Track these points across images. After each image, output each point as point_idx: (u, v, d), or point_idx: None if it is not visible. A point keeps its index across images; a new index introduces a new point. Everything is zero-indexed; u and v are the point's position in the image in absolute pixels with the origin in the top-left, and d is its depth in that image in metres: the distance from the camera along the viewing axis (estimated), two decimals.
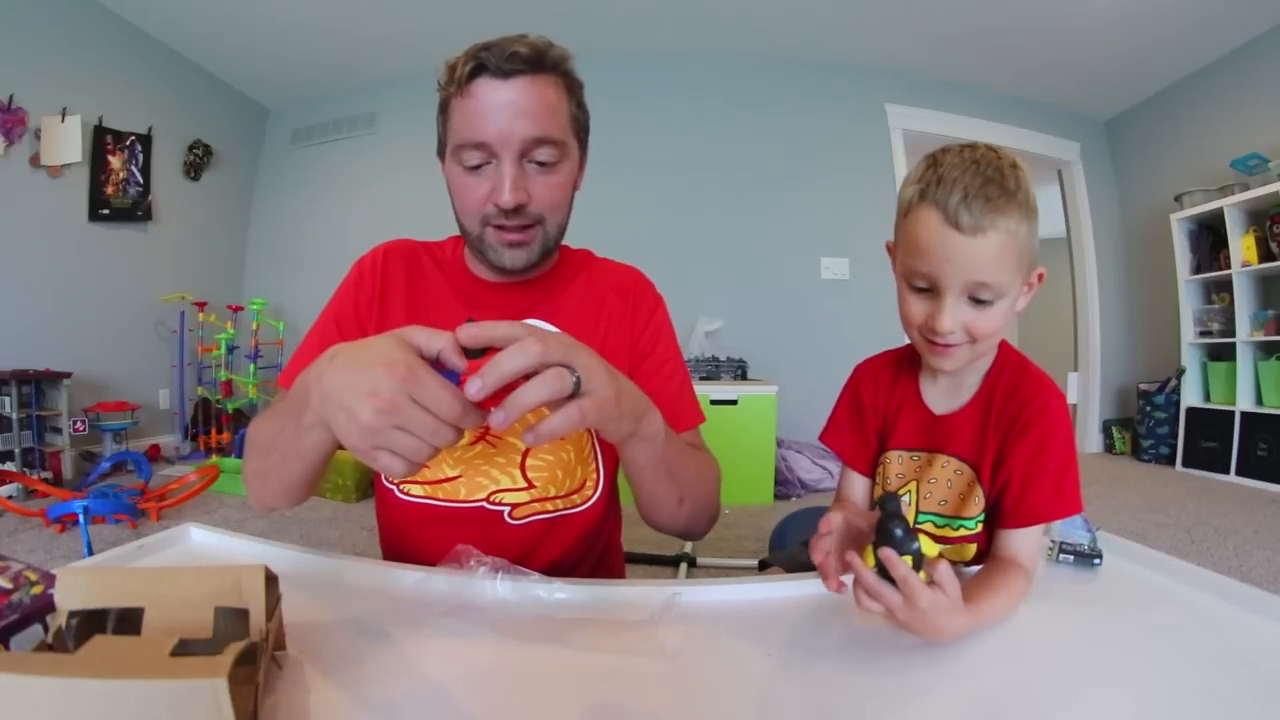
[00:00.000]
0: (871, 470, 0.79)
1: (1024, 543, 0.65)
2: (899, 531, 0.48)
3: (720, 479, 0.79)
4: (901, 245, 0.68)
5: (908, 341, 0.76)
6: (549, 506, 0.77)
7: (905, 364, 0.78)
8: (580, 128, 0.77)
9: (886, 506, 0.50)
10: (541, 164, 0.71)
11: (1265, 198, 3.20)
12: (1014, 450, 0.67)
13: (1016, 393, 0.69)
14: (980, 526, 0.70)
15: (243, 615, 0.40)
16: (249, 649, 0.34)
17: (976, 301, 0.64)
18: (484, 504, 0.76)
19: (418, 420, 0.39)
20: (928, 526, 0.73)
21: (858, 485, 0.80)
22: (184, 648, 0.33)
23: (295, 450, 0.54)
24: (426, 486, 0.77)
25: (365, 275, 0.81)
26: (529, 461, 0.76)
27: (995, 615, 0.56)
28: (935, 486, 0.72)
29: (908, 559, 0.48)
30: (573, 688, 0.45)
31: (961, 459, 0.71)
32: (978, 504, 0.69)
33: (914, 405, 0.75)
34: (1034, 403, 0.68)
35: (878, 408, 0.78)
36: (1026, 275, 0.66)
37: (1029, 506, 0.65)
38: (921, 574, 0.49)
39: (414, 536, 0.78)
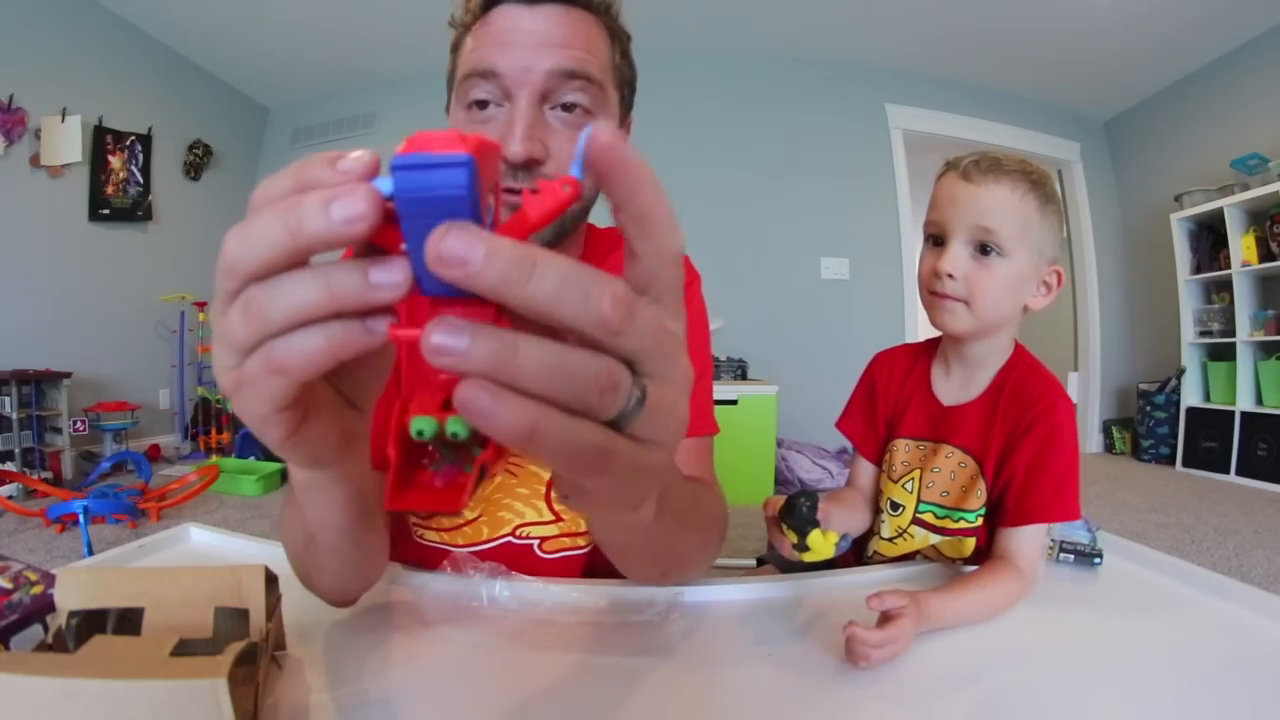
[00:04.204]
0: (879, 458, 0.80)
1: (1022, 542, 0.65)
2: (804, 509, 0.56)
3: (726, 523, 0.66)
4: (928, 208, 0.73)
5: (917, 340, 0.82)
6: (580, 541, 0.68)
7: (921, 356, 0.81)
8: (624, 81, 0.63)
9: (798, 498, 0.56)
10: (569, 109, 0.57)
11: (1265, 197, 3.20)
12: (1018, 447, 0.68)
13: (1024, 390, 0.70)
14: (980, 521, 0.70)
15: (243, 615, 0.40)
16: (249, 649, 0.34)
17: (982, 251, 0.68)
18: (510, 539, 0.67)
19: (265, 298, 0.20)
20: (928, 517, 0.73)
21: (866, 472, 0.82)
22: (184, 648, 0.33)
23: (308, 531, 0.41)
24: (444, 534, 0.67)
25: None
26: (554, 492, 0.66)
27: (962, 609, 0.56)
28: (938, 477, 0.73)
29: (818, 537, 0.57)
30: (573, 688, 0.45)
31: (966, 451, 0.72)
32: (979, 498, 0.70)
33: (924, 395, 0.77)
34: (1041, 401, 0.68)
35: (889, 396, 0.81)
36: (1037, 258, 0.69)
37: (1029, 505, 0.66)
38: (828, 535, 0.59)
39: None
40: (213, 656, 0.31)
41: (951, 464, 0.72)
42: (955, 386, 0.76)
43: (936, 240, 0.71)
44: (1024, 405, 0.69)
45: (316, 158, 0.20)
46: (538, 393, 0.17)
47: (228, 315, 0.20)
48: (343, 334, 0.19)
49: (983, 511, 0.70)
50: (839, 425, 0.85)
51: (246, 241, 0.19)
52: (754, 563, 1.18)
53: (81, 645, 0.33)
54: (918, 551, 0.75)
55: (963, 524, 0.71)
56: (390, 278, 0.18)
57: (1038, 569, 0.65)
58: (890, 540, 0.76)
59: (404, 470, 0.20)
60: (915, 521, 0.74)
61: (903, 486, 0.76)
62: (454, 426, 0.19)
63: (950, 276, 0.68)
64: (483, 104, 0.57)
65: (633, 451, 0.20)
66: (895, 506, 0.76)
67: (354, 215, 0.17)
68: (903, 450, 0.77)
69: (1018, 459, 0.68)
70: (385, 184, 0.18)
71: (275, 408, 0.22)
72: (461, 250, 0.16)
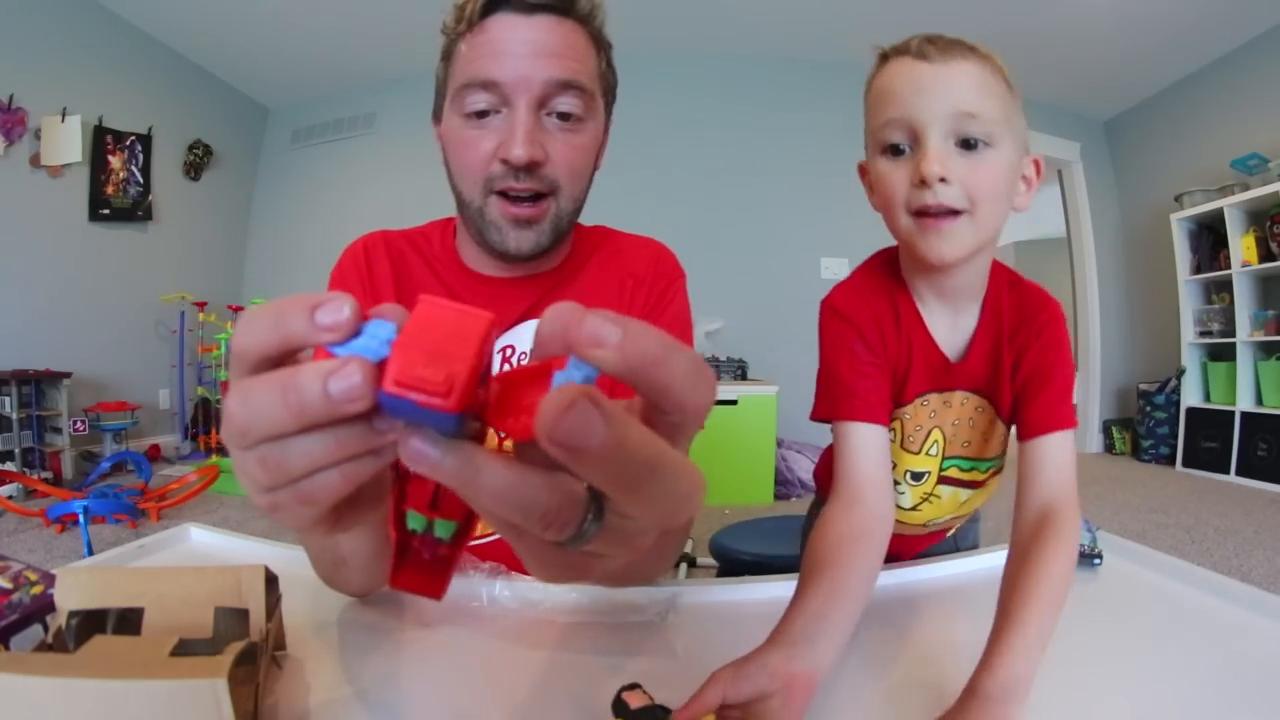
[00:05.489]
0: (890, 418, 0.63)
1: (1054, 469, 0.54)
2: None
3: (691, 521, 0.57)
4: (870, 113, 0.60)
5: (853, 273, 0.68)
6: None
7: (893, 294, 0.64)
8: (608, 88, 0.66)
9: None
10: (564, 117, 0.60)
11: (1265, 198, 3.20)
12: (1027, 359, 0.60)
13: (1022, 309, 0.62)
14: (1001, 463, 0.66)
15: (243, 615, 0.40)
16: (249, 649, 0.34)
17: (966, 146, 0.54)
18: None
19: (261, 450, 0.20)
20: (953, 472, 0.67)
21: (872, 445, 0.58)
22: (184, 648, 0.33)
23: (339, 557, 0.48)
24: None
25: (349, 280, 0.68)
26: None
27: (1044, 634, 0.44)
28: (958, 429, 0.65)
29: None
30: (571, 688, 0.45)
31: (980, 392, 0.64)
32: (999, 440, 0.65)
33: (925, 348, 0.63)
34: (1043, 313, 0.61)
35: (888, 347, 0.62)
36: (1019, 147, 0.57)
37: (1043, 408, 0.58)
38: None
39: None
40: (213, 656, 0.31)
41: (968, 411, 0.64)
42: (944, 325, 0.63)
43: (897, 148, 0.56)
44: (1027, 321, 0.61)
45: (292, 304, 0.20)
46: (489, 509, 0.18)
47: (244, 462, 0.21)
48: (356, 468, 0.20)
49: (1002, 454, 0.65)
50: (823, 415, 0.62)
51: (251, 413, 0.19)
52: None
53: (81, 645, 0.33)
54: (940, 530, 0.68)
55: (989, 472, 0.67)
56: (391, 424, 0.19)
57: (1075, 490, 0.55)
58: (914, 509, 0.68)
59: (400, 544, 0.23)
60: (942, 480, 0.67)
61: (926, 453, 0.65)
62: (440, 530, 0.22)
63: (943, 181, 0.53)
64: (482, 114, 0.58)
65: (581, 556, 0.21)
66: (917, 476, 0.67)
67: (352, 395, 0.18)
68: (914, 414, 0.64)
69: (1028, 368, 0.60)
70: (381, 329, 0.19)
71: (314, 521, 0.23)
72: (580, 428, 0.16)
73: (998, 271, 0.64)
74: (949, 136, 0.54)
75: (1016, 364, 0.61)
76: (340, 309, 0.18)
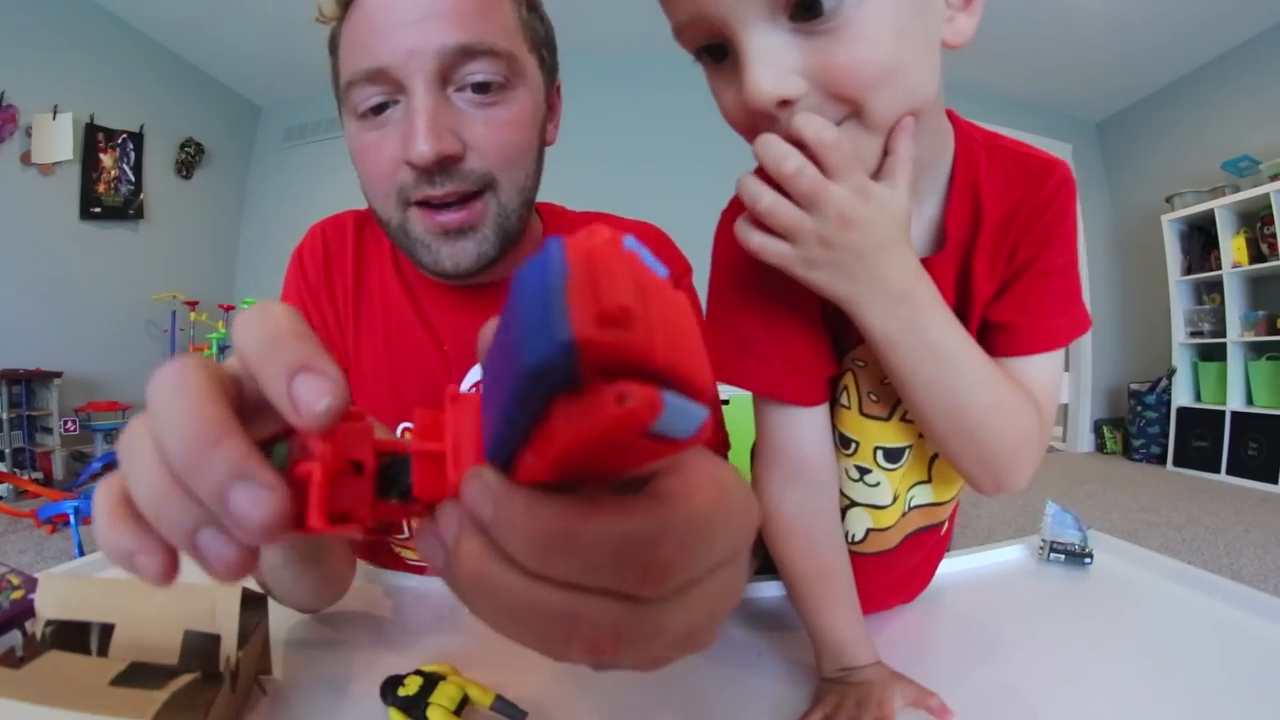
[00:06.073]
0: (829, 390, 0.48)
1: (1039, 392, 0.42)
2: None
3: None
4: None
5: None
6: None
7: None
8: (540, 41, 0.53)
9: None
10: (481, 89, 0.47)
11: (1256, 199, 3.22)
12: (1026, 246, 0.44)
13: (1014, 180, 0.44)
14: None
15: (213, 640, 0.38)
16: (191, 686, 0.33)
17: (805, 12, 0.32)
18: None
19: (141, 465, 0.17)
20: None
21: (808, 429, 0.47)
22: (127, 678, 0.32)
23: (261, 579, 0.44)
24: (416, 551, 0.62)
25: (307, 268, 0.63)
26: None
27: (956, 349, 0.38)
28: None
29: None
30: (567, 690, 0.44)
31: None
32: None
33: None
34: (1048, 181, 0.44)
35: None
36: None
37: (1043, 314, 0.43)
38: None
39: None
40: (149, 691, 0.30)
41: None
42: None
43: (716, 50, 0.37)
44: (1030, 203, 0.43)
45: (284, 345, 0.16)
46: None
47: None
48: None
49: None
50: (729, 378, 0.50)
51: (159, 414, 0.16)
52: None
53: (32, 661, 0.33)
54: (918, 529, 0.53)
55: None
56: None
57: (1055, 406, 0.44)
58: (883, 508, 0.48)
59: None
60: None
61: (901, 417, 0.46)
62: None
63: (785, 103, 0.34)
64: (379, 108, 0.48)
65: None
66: (892, 455, 0.47)
67: (249, 528, 0.15)
68: (865, 365, 0.46)
69: (1028, 281, 0.44)
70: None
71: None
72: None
73: (966, 132, 0.45)
74: (774, 13, 0.32)
75: (1012, 255, 0.43)
76: (318, 398, 0.15)
